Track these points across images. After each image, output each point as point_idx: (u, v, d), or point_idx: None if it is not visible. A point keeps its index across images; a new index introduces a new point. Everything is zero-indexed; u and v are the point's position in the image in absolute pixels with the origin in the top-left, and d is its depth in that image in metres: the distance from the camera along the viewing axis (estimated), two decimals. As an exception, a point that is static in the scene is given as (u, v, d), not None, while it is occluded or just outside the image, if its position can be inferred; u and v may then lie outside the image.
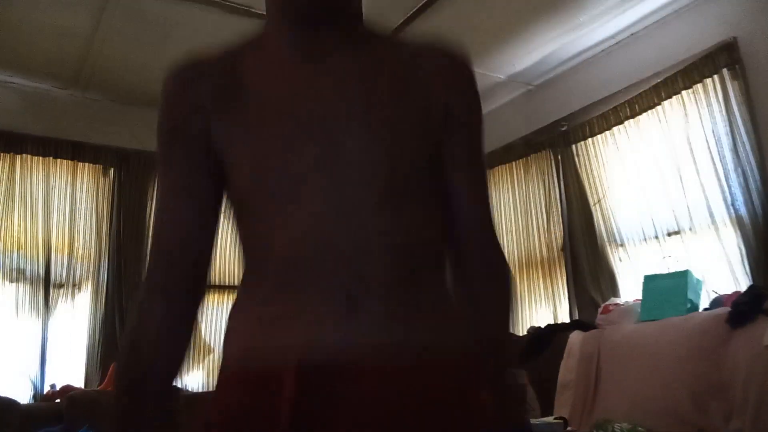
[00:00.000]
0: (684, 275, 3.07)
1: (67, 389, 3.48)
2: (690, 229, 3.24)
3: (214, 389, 0.76)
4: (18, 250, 3.68)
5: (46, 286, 3.70)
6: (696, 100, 3.24)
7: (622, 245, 3.62)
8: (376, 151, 0.72)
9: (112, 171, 4.08)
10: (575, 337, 3.36)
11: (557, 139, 4.05)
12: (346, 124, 0.72)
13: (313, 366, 0.66)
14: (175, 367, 0.78)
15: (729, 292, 2.87)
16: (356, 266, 0.69)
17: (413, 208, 0.74)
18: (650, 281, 3.22)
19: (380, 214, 0.71)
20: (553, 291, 4.00)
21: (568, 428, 2.96)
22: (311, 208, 0.71)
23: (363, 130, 0.72)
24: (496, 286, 0.82)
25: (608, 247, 3.68)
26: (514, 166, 4.39)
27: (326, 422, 0.65)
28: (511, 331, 0.87)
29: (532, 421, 2.93)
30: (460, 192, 0.80)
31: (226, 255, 4.40)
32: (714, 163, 3.11)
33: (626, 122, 3.60)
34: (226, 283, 4.40)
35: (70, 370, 3.70)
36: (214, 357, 4.23)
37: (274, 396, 0.65)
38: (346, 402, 0.66)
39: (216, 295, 4.34)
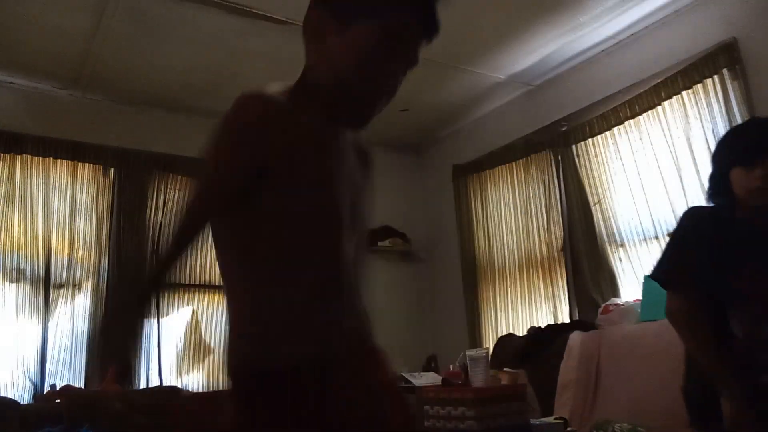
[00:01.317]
0: (684, 275, 3.07)
1: (68, 389, 3.48)
2: (690, 230, 3.24)
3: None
4: (18, 250, 3.68)
5: (46, 287, 3.70)
6: (696, 100, 3.24)
7: (622, 245, 3.62)
8: (364, 225, 1.13)
9: (112, 171, 4.07)
10: (575, 337, 3.37)
11: (557, 140, 4.05)
12: (357, 201, 1.10)
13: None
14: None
15: (729, 293, 2.87)
16: (351, 295, 1.10)
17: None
18: (650, 281, 3.21)
19: (364, 265, 1.14)
20: (553, 291, 4.00)
21: (569, 428, 2.96)
22: (340, 249, 1.05)
23: (363, 209, 1.12)
24: None
25: (608, 248, 3.68)
26: (514, 167, 4.39)
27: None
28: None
29: (533, 421, 2.93)
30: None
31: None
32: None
33: (626, 122, 3.60)
34: (226, 284, 4.39)
35: (70, 370, 3.69)
36: (213, 357, 4.23)
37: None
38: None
39: (216, 296, 4.34)
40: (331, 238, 1.04)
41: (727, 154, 1.82)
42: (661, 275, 1.84)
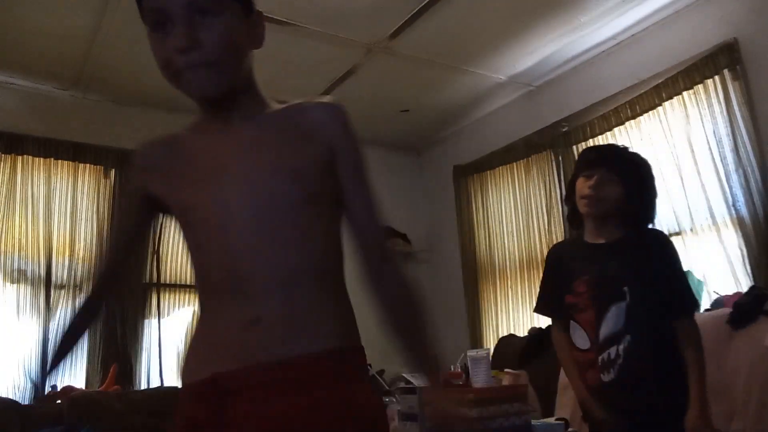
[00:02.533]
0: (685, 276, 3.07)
1: (68, 390, 3.48)
2: (691, 230, 3.24)
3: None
4: (19, 251, 3.68)
5: (47, 287, 3.70)
6: (697, 100, 3.24)
7: (623, 246, 3.62)
8: (261, 195, 0.95)
9: (113, 172, 4.08)
10: (576, 337, 3.36)
11: (558, 140, 4.05)
12: (240, 176, 0.96)
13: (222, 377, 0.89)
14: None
15: (730, 293, 2.87)
16: (249, 289, 0.92)
17: (293, 234, 0.96)
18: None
19: (264, 244, 0.94)
20: (554, 292, 3.99)
21: (570, 429, 2.95)
22: (216, 242, 0.95)
23: (250, 179, 0.96)
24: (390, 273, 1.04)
25: (609, 248, 3.68)
26: (515, 167, 4.39)
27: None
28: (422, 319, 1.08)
29: (534, 422, 2.93)
30: (356, 209, 1.03)
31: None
32: (715, 164, 3.11)
33: (627, 123, 3.60)
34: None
35: (70, 370, 3.70)
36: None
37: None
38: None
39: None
40: (210, 238, 0.96)
41: (576, 165, 2.01)
42: (535, 308, 2.12)
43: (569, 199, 1.98)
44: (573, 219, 2.01)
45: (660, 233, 1.92)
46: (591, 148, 2.12)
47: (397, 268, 1.05)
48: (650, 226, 1.92)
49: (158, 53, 0.98)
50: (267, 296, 0.91)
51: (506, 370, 3.32)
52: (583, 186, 1.88)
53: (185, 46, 0.92)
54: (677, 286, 1.81)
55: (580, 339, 1.87)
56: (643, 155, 1.97)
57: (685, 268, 3.07)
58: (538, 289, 2.10)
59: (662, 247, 1.84)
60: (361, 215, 1.03)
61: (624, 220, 1.87)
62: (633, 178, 1.86)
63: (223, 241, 0.94)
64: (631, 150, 1.97)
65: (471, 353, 3.13)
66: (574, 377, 1.93)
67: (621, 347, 1.77)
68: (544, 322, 3.97)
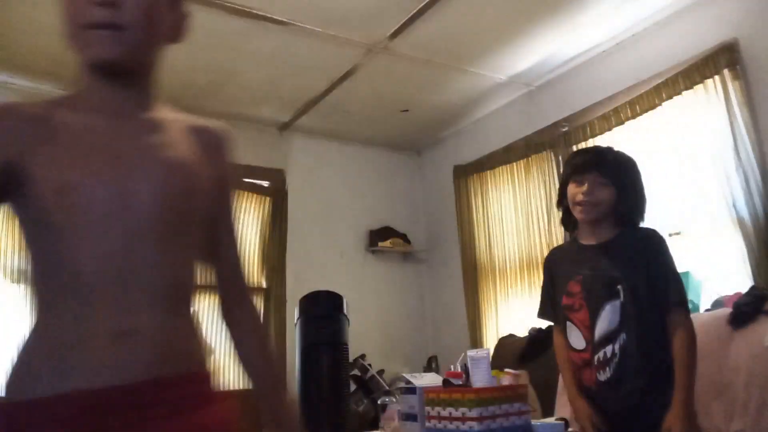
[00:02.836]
0: (685, 276, 3.06)
1: (68, 390, 3.48)
2: (691, 230, 3.24)
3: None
4: (19, 251, 3.68)
5: (47, 287, 3.70)
6: (697, 100, 3.23)
7: (623, 246, 3.62)
8: (172, 198, 0.89)
9: (112, 172, 4.08)
10: (576, 338, 3.36)
11: (558, 140, 4.05)
12: (150, 170, 0.88)
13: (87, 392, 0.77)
14: None
15: (730, 293, 2.87)
16: (130, 295, 0.83)
17: (186, 250, 0.93)
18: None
19: (153, 249, 0.86)
20: (554, 292, 3.99)
21: (569, 429, 2.95)
22: (98, 233, 0.83)
23: (161, 178, 0.89)
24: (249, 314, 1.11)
25: (609, 248, 3.68)
26: (514, 167, 4.39)
27: None
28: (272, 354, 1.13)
29: (534, 422, 2.93)
30: (226, 241, 1.06)
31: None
32: (715, 164, 3.11)
33: (627, 123, 3.60)
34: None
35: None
36: (214, 357, 4.23)
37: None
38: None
39: (216, 295, 4.34)
40: (93, 227, 0.83)
41: (564, 171, 2.02)
42: (538, 314, 2.15)
43: (561, 203, 2.01)
44: (567, 222, 2.04)
45: (652, 231, 1.91)
46: (578, 152, 2.12)
47: (253, 305, 1.13)
48: (642, 224, 1.93)
49: (71, 3, 0.94)
50: (148, 307, 0.84)
51: (506, 370, 3.32)
52: (575, 192, 1.89)
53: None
54: (669, 280, 1.79)
55: (576, 339, 1.89)
56: (628, 154, 1.97)
57: (684, 269, 3.10)
58: (539, 294, 2.12)
59: (655, 244, 1.84)
60: (231, 248, 1.08)
61: (617, 220, 1.89)
62: (623, 179, 1.88)
63: (113, 234, 0.83)
64: (616, 150, 1.98)
65: (471, 353, 3.13)
66: (569, 384, 1.95)
67: (617, 345, 1.77)
68: (544, 322, 3.97)
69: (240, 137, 4.60)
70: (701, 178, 3.18)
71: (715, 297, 2.96)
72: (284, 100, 4.34)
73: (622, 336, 1.77)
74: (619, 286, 1.79)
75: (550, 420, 3.04)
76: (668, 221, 3.34)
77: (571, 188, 1.92)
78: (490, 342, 4.32)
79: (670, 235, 3.34)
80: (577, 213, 1.91)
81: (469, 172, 4.77)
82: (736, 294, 2.80)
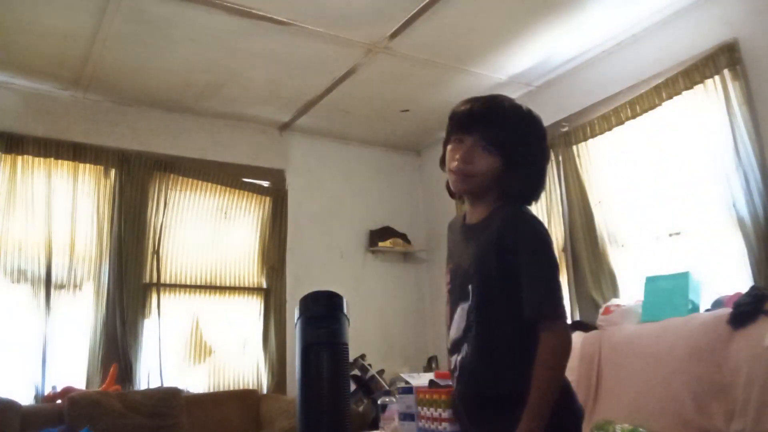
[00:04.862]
0: (685, 276, 3.07)
1: (68, 390, 3.48)
2: (691, 230, 3.24)
3: None
4: (19, 251, 3.68)
5: (48, 287, 3.70)
6: (697, 100, 3.23)
7: (623, 246, 3.62)
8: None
9: (113, 172, 4.07)
10: (576, 338, 3.36)
11: (558, 140, 4.05)
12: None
13: None
14: None
15: (730, 293, 2.87)
16: None
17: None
18: (651, 282, 3.22)
19: None
20: (554, 292, 3.99)
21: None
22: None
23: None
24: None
25: (609, 248, 3.68)
26: (514, 167, 4.38)
27: None
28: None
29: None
30: None
31: (233, 258, 4.41)
32: (715, 164, 3.11)
33: (627, 123, 3.59)
34: (228, 284, 4.40)
35: (71, 371, 3.69)
36: (214, 357, 4.23)
37: None
38: None
39: (217, 296, 4.34)
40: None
41: (448, 123, 1.59)
42: None
43: (443, 165, 1.57)
44: (449, 189, 1.56)
45: (518, 213, 1.40)
46: (466, 101, 1.56)
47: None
48: (527, 205, 1.45)
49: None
50: None
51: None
52: (451, 157, 1.48)
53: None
54: (528, 285, 1.31)
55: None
56: (533, 112, 1.48)
57: (684, 269, 3.10)
58: None
59: (515, 233, 1.34)
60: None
61: (499, 196, 1.43)
62: (514, 147, 1.41)
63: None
64: (516, 104, 1.48)
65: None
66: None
67: (459, 357, 1.42)
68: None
69: (240, 137, 4.64)
70: (701, 178, 3.18)
71: (715, 297, 2.96)
72: (284, 100, 4.34)
73: (464, 347, 1.40)
74: (470, 286, 1.40)
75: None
76: (668, 221, 3.35)
77: (449, 150, 1.51)
78: (490, 342, 4.31)
79: (671, 235, 3.34)
80: (451, 182, 1.50)
81: (469, 172, 4.76)
82: (736, 294, 2.80)
